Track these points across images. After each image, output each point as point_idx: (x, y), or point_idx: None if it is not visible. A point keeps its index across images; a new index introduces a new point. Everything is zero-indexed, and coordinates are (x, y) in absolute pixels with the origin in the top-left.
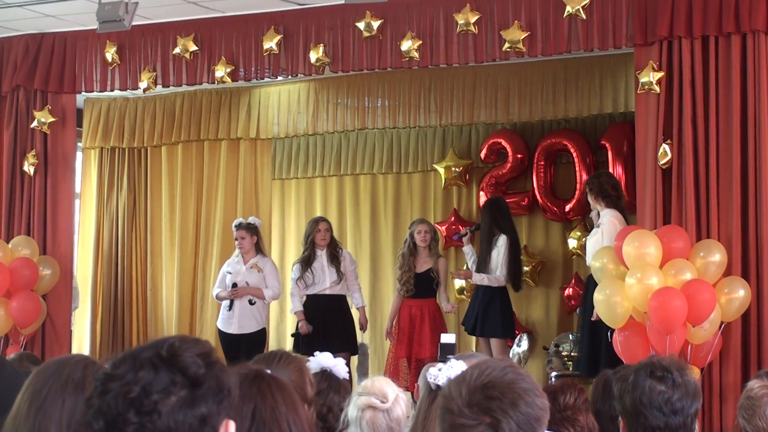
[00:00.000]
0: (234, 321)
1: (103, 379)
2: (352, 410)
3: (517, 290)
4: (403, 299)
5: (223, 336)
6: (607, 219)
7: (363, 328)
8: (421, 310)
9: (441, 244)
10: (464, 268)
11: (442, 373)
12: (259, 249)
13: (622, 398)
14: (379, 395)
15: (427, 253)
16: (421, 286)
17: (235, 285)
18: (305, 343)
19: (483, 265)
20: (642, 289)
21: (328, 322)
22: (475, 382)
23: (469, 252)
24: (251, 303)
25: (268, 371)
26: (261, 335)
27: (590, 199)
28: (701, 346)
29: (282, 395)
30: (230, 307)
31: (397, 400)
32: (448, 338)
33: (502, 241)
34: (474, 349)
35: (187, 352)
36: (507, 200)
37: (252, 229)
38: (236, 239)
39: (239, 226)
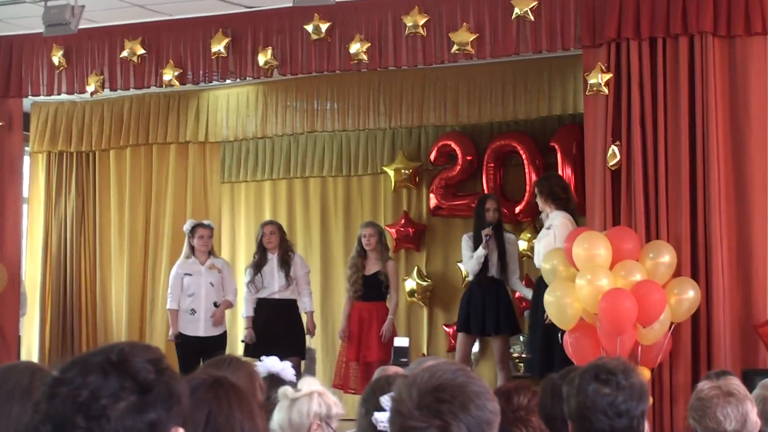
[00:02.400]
0: (201, 325)
1: (51, 383)
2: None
3: None
4: (353, 302)
5: (185, 339)
6: (559, 221)
7: (311, 333)
8: (370, 313)
9: (391, 247)
10: (466, 275)
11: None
12: (211, 251)
13: (569, 402)
14: (296, 388)
15: (376, 255)
16: (369, 289)
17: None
18: (254, 348)
19: (504, 266)
20: (592, 290)
21: (276, 326)
22: (425, 384)
23: (482, 254)
24: (216, 305)
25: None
26: (225, 338)
27: (539, 201)
28: (651, 347)
29: (239, 402)
30: (194, 311)
31: (311, 397)
32: (401, 342)
33: (512, 239)
34: (425, 353)
35: (137, 357)
36: (457, 203)
37: (211, 230)
38: (201, 237)
39: (203, 225)
